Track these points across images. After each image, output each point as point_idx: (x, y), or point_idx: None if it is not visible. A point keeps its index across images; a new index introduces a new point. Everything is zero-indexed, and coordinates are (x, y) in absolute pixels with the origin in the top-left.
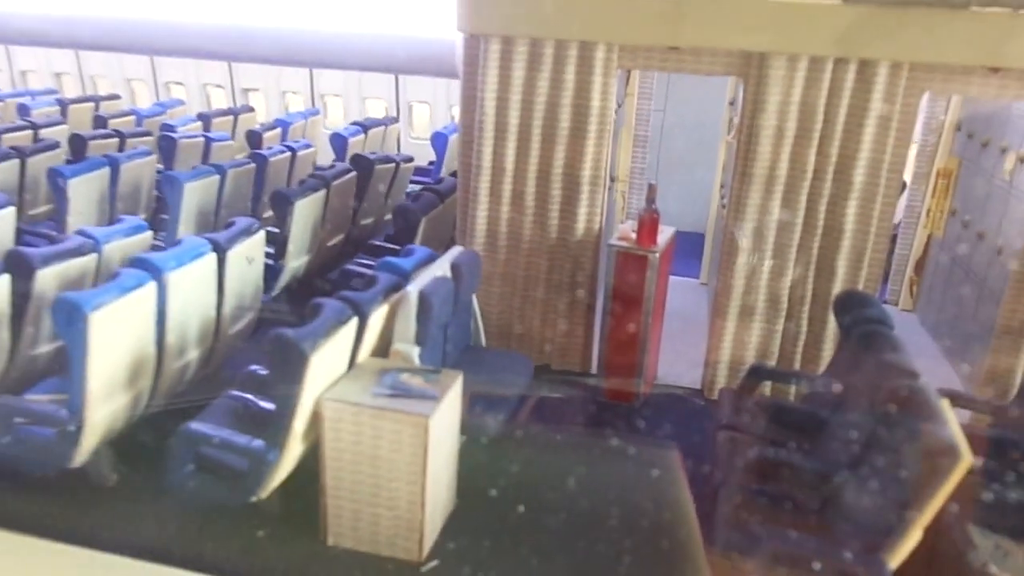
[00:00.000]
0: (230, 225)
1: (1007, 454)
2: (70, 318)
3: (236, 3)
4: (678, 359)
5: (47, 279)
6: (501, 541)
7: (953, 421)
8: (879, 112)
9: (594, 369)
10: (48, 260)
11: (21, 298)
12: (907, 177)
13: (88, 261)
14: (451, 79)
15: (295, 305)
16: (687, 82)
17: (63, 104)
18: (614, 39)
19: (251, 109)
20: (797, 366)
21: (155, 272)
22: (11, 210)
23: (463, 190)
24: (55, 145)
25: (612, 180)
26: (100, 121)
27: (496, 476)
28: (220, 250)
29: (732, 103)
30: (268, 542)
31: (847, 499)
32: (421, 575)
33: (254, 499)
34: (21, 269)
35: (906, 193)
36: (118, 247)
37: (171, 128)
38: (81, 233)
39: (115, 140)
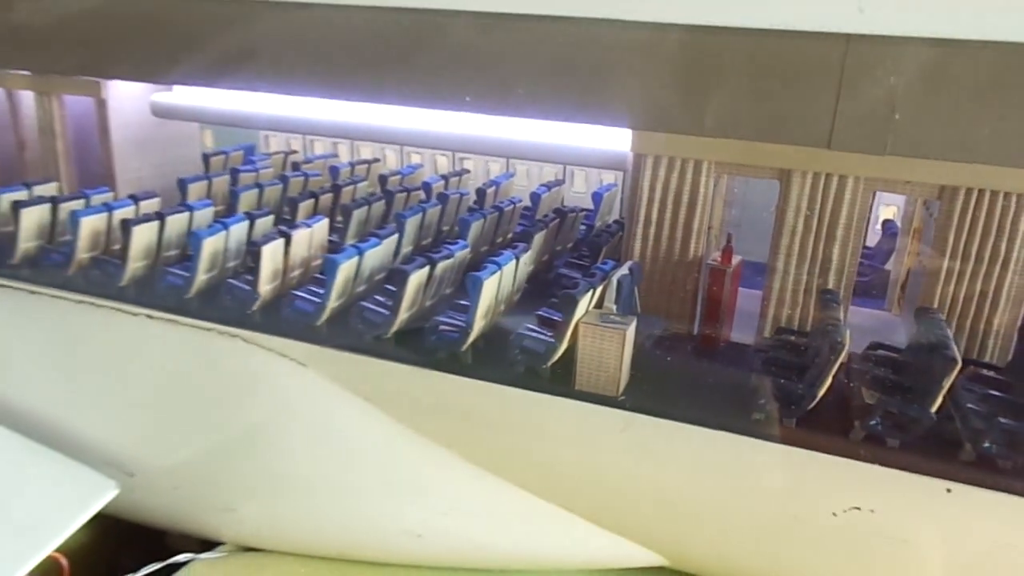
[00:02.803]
0: (516, 246)
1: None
2: (475, 283)
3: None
4: (742, 326)
5: (439, 268)
6: (652, 390)
7: (846, 335)
8: (848, 200)
9: (695, 331)
10: (437, 261)
11: (428, 277)
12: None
13: (451, 261)
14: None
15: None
16: None
17: (353, 166)
18: (713, 158)
19: (467, 171)
20: (808, 328)
21: (499, 265)
22: (395, 236)
23: (628, 232)
24: (381, 198)
25: (708, 229)
26: (383, 180)
27: (648, 367)
28: (517, 258)
29: None
30: (551, 383)
31: (808, 371)
32: (618, 400)
33: (545, 366)
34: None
35: (898, 240)
36: (459, 256)
37: (428, 186)
38: (446, 246)
39: (404, 195)
